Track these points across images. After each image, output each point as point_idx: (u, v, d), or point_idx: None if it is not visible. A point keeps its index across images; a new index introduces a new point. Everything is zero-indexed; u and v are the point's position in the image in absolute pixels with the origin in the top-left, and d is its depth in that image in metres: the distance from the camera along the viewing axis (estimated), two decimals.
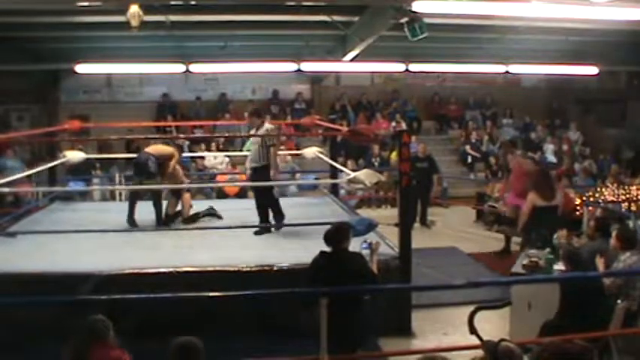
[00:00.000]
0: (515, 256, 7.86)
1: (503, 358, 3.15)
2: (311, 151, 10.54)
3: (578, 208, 9.53)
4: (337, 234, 4.85)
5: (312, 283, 4.71)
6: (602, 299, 5.33)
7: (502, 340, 3.29)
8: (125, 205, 8.42)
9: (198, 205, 8.76)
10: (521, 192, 8.84)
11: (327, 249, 4.81)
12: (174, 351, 3.42)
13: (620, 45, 13.12)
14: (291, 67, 13.60)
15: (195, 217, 8.32)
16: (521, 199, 8.79)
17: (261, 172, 7.63)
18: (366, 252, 5.27)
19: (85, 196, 11.81)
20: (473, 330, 3.83)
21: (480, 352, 3.54)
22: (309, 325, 4.51)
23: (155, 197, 8.07)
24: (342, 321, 4.51)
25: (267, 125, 7.89)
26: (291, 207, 9.84)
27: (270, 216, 7.76)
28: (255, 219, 7.84)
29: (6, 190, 7.99)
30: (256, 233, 7.57)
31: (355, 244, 5.17)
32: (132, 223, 7.94)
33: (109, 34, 11.30)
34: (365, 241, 5.64)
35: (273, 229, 7.72)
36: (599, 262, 5.94)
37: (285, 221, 7.85)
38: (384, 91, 17.31)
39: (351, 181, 6.97)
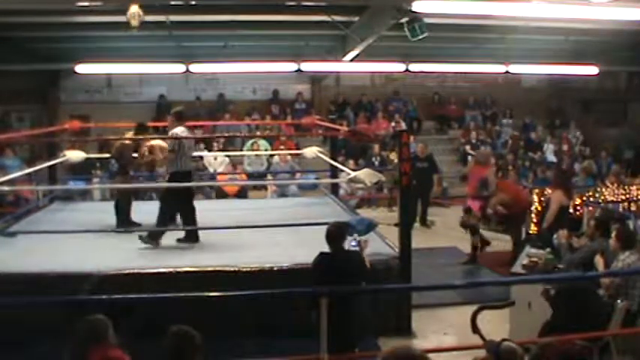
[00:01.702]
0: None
1: (505, 358, 3.15)
2: (311, 151, 10.56)
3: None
4: (338, 234, 4.88)
5: (316, 285, 4.72)
6: (597, 298, 5.33)
7: (504, 340, 3.29)
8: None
9: (199, 205, 8.73)
10: (476, 195, 8.99)
11: (327, 249, 4.84)
12: (170, 340, 3.40)
13: (620, 45, 13.11)
14: (291, 67, 13.61)
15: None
16: (477, 202, 8.92)
17: (171, 179, 7.30)
18: (355, 250, 5.29)
19: (85, 195, 11.81)
20: (476, 329, 3.83)
21: (481, 352, 3.54)
22: (308, 324, 4.52)
23: (119, 196, 8.12)
24: (342, 320, 4.52)
25: (177, 129, 7.24)
26: (291, 207, 9.90)
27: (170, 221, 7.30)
28: (254, 218, 7.83)
29: (6, 189, 7.99)
30: (141, 238, 7.03)
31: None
32: (132, 224, 7.95)
33: (109, 34, 11.30)
34: (354, 239, 5.64)
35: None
36: (599, 262, 5.95)
37: (286, 221, 7.83)
38: (384, 91, 17.31)
39: (351, 180, 6.97)
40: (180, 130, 7.24)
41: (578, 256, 6.24)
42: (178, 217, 7.42)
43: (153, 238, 7.05)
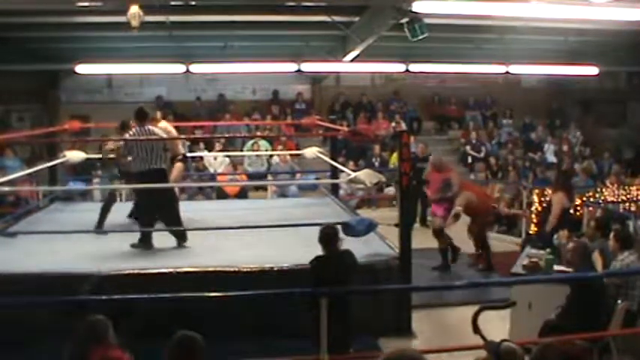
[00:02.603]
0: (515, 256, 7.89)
1: (505, 358, 3.14)
2: (311, 152, 10.56)
3: (578, 208, 9.55)
4: (332, 236, 4.91)
5: (315, 288, 4.73)
6: (604, 300, 5.34)
7: (504, 340, 3.29)
8: (125, 205, 8.45)
9: (199, 205, 8.76)
10: (440, 198, 9.00)
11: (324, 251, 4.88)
12: (173, 346, 3.40)
13: (620, 45, 13.12)
14: (291, 67, 13.61)
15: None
16: (441, 206, 8.93)
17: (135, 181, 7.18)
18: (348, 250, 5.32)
19: (85, 196, 11.82)
20: (477, 330, 3.83)
21: (481, 353, 3.54)
22: (308, 325, 4.52)
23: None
24: (337, 320, 4.53)
25: (130, 132, 7.22)
26: (292, 207, 9.91)
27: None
28: (254, 218, 7.82)
29: (6, 189, 7.99)
30: (133, 245, 6.95)
31: None
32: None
33: (109, 34, 11.30)
34: None
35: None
36: (597, 260, 5.96)
37: (286, 221, 7.82)
38: (384, 92, 17.31)
39: (351, 181, 6.98)
40: (129, 134, 7.20)
41: None
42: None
43: (143, 242, 7.02)
